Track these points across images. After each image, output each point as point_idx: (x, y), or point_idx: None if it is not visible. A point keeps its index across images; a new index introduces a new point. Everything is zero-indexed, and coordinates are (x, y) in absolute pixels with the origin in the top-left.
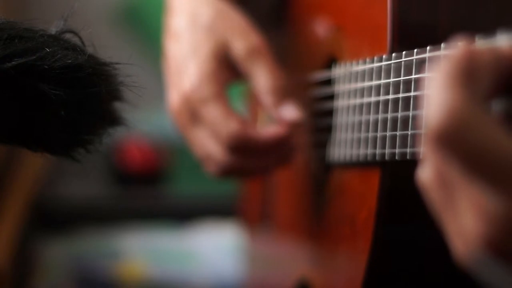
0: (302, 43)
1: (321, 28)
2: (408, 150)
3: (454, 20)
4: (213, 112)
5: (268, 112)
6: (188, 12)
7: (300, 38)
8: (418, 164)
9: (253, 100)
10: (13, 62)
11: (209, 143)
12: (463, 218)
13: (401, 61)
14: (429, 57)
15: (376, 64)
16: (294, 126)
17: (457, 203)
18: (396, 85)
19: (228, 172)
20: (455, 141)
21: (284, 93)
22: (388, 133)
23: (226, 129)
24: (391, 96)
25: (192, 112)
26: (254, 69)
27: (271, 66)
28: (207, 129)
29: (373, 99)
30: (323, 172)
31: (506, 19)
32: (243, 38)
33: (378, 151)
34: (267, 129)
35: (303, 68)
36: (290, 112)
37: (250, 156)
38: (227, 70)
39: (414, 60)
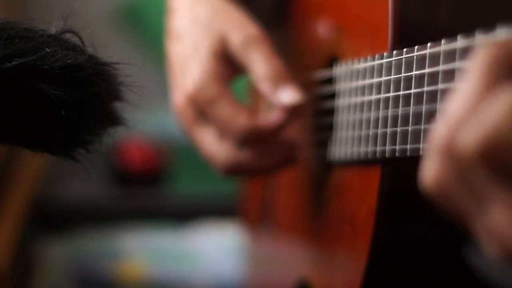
0: (303, 43)
1: (322, 27)
2: (408, 146)
3: (454, 19)
4: (222, 111)
5: (267, 99)
6: (188, 12)
7: (301, 38)
8: (420, 161)
9: (254, 95)
10: (13, 62)
11: (217, 142)
12: (496, 219)
13: (401, 58)
14: (429, 54)
15: (377, 62)
16: (294, 111)
17: (487, 204)
18: (397, 82)
19: (236, 169)
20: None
21: (283, 79)
22: (388, 130)
23: (237, 125)
24: (391, 93)
25: (199, 113)
26: (250, 58)
27: (268, 54)
28: (216, 127)
29: (373, 96)
30: (323, 171)
31: (506, 18)
32: (239, 30)
33: (378, 148)
34: (270, 115)
35: (305, 68)
36: (289, 95)
37: (260, 150)
38: (228, 66)
39: (415, 57)
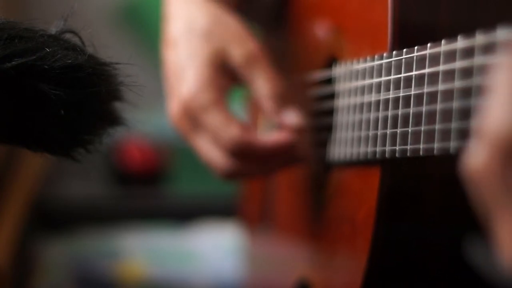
0: (302, 43)
1: (321, 28)
2: (408, 147)
3: (454, 19)
4: (213, 119)
5: (269, 117)
6: (185, 19)
7: (301, 38)
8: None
9: (253, 105)
10: (13, 62)
11: (211, 149)
12: None
13: (401, 58)
14: (429, 54)
15: (376, 62)
16: (295, 131)
17: None
18: (397, 82)
19: (232, 176)
20: None
21: (285, 98)
22: (388, 131)
23: (226, 135)
24: (391, 94)
25: (192, 119)
26: (253, 75)
27: (270, 72)
28: (208, 135)
29: (373, 97)
30: (323, 172)
31: (506, 18)
32: (240, 45)
33: (378, 149)
34: (269, 135)
35: (304, 68)
36: (291, 117)
37: (252, 161)
38: (224, 76)
39: (415, 57)
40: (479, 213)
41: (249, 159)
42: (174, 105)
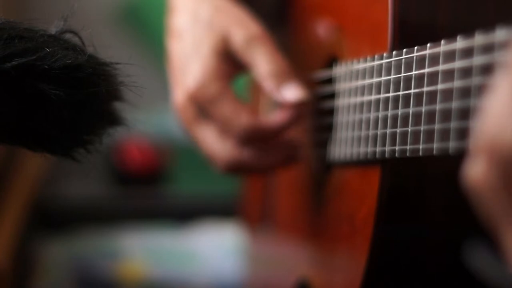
0: (303, 43)
1: (322, 27)
2: (408, 147)
3: (454, 19)
4: (223, 109)
5: (270, 97)
6: (189, 10)
7: (301, 38)
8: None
9: (254, 95)
10: (13, 62)
11: (217, 140)
12: None
13: (401, 59)
14: (429, 54)
15: (376, 62)
16: (298, 107)
17: None
18: (397, 82)
19: (236, 167)
20: None
21: (286, 76)
22: (388, 131)
23: (238, 123)
24: (391, 94)
25: (199, 111)
26: (253, 56)
27: (271, 52)
28: (216, 125)
29: (373, 97)
30: (323, 171)
31: (506, 18)
32: (241, 28)
33: (378, 149)
34: (273, 116)
35: (304, 68)
36: (292, 92)
37: (262, 148)
38: (230, 64)
39: (415, 58)
40: (484, 223)
41: (260, 145)
42: (178, 96)
